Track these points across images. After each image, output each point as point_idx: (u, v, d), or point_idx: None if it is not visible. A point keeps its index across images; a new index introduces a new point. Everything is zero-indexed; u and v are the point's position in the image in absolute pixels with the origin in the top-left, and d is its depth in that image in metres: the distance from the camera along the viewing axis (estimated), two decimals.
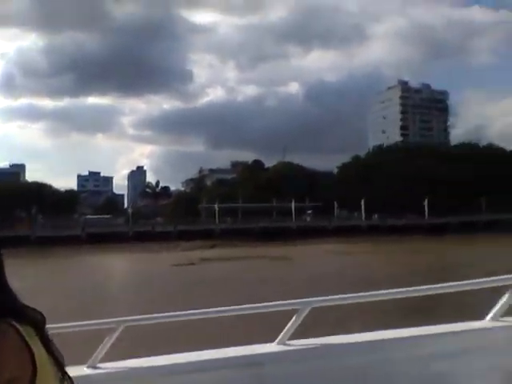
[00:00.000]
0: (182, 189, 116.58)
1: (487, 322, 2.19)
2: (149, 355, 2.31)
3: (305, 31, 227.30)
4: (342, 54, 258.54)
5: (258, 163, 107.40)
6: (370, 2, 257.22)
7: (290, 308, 2.28)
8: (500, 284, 2.24)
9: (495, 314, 2.19)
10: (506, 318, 2.20)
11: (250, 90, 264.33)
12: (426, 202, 74.31)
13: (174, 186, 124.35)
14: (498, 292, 2.17)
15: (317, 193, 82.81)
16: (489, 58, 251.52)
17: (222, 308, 2.34)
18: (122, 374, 2.08)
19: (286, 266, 29.63)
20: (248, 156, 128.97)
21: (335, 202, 79.57)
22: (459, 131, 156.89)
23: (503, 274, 2.25)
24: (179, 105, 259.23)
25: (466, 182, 75.60)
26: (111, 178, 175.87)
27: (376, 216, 77.81)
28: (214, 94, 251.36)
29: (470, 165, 77.55)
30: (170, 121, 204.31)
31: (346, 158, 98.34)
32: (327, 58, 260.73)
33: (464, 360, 2.10)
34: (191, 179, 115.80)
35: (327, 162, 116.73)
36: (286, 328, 2.19)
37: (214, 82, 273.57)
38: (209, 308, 2.43)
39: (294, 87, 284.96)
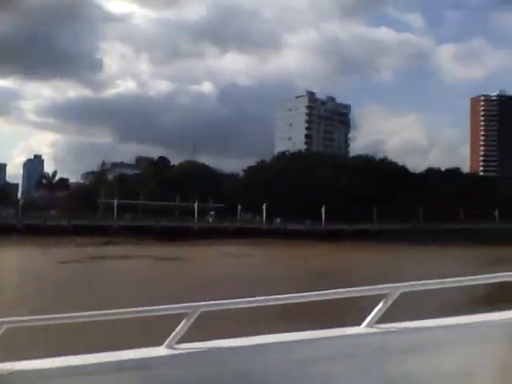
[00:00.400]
0: (82, 181, 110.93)
1: (363, 328, 2.27)
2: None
3: (221, 32, 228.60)
4: (256, 59, 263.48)
5: (163, 160, 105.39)
6: (286, 12, 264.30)
7: (179, 312, 2.25)
8: (376, 293, 2.34)
9: (370, 321, 2.27)
10: (380, 325, 2.28)
11: (162, 86, 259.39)
12: (323, 210, 77.55)
13: (75, 179, 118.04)
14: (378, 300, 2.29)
15: (221, 194, 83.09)
16: (391, 76, 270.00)
17: (106, 311, 2.27)
18: None
19: (173, 267, 29.19)
20: (156, 152, 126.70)
21: (239, 205, 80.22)
22: (360, 144, 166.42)
23: (379, 280, 2.43)
24: (87, 93, 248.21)
25: (361, 192, 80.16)
26: (4, 165, 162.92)
27: (278, 220, 79.71)
28: (125, 86, 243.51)
29: (366, 177, 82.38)
30: (76, 109, 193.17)
31: (253, 162, 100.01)
32: (242, 61, 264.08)
33: (339, 365, 2.18)
34: (91, 172, 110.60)
35: (235, 165, 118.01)
36: (175, 332, 2.18)
37: (126, 73, 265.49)
38: (69, 313, 2.28)
39: (207, 87, 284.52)
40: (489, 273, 2.49)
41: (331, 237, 66.64)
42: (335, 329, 2.35)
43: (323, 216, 78.60)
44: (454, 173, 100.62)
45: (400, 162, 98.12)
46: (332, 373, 2.18)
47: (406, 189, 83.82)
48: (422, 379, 2.25)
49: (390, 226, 78.83)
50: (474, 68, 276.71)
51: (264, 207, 78.18)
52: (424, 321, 2.44)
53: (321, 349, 2.22)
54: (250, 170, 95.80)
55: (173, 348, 2.16)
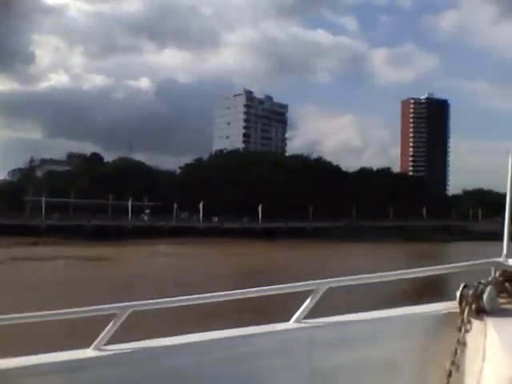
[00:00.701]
0: (8, 178, 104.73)
1: (291, 323, 2.31)
2: None
3: (159, 27, 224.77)
4: (195, 55, 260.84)
5: (96, 156, 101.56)
6: (225, 10, 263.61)
7: (109, 312, 2.20)
8: (304, 289, 2.38)
9: (299, 316, 2.31)
10: (308, 320, 2.32)
11: (97, 80, 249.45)
12: (260, 208, 77.98)
13: (2, 175, 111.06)
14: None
15: (157, 192, 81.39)
16: (327, 78, 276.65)
17: (31, 314, 2.16)
18: None
19: (100, 268, 28.04)
20: (89, 148, 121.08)
21: (175, 203, 78.90)
22: (298, 143, 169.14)
23: (312, 276, 2.45)
24: (16, 86, 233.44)
25: (297, 190, 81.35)
26: None
27: (216, 219, 79.23)
28: (57, 80, 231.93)
29: (302, 176, 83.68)
30: (4, 102, 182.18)
31: (191, 160, 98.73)
32: (180, 57, 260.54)
33: (268, 361, 2.21)
34: (19, 169, 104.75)
35: (172, 163, 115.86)
36: (103, 333, 2.13)
37: (58, 66, 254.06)
38: None
39: (144, 83, 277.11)
40: (415, 267, 2.57)
41: (268, 235, 67.19)
42: (264, 325, 2.37)
43: (260, 214, 79.01)
44: (384, 173, 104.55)
45: (335, 162, 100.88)
46: (261, 369, 2.21)
47: (339, 188, 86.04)
48: (348, 372, 2.30)
49: (325, 224, 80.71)
50: (405, 71, 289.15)
51: (201, 206, 77.38)
52: (351, 315, 2.48)
53: (250, 346, 2.24)
54: (187, 168, 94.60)
55: (101, 349, 2.12)
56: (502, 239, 2.59)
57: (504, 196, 2.67)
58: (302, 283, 2.39)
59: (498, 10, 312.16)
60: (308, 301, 2.34)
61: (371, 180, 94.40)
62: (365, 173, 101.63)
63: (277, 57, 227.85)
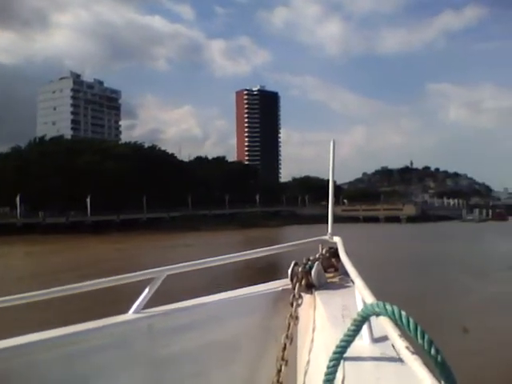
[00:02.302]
0: None
1: (130, 314, 2.27)
2: None
3: None
4: (22, 36, 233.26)
5: None
6: None
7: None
8: (142, 278, 2.34)
9: (137, 307, 2.28)
10: (147, 310, 2.30)
11: None
12: (88, 200, 71.97)
13: None
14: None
15: None
16: (167, 66, 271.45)
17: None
18: None
19: None
20: None
21: None
22: (139, 132, 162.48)
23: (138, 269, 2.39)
24: None
25: (129, 180, 77.08)
26: None
27: (43, 213, 71.00)
28: None
29: (135, 164, 79.50)
30: None
31: (8, 149, 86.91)
32: (5, 38, 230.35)
33: (108, 355, 2.15)
34: None
35: None
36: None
37: None
38: None
39: None
40: (249, 249, 2.65)
41: (97, 229, 62.48)
42: (101, 319, 2.26)
43: (89, 207, 72.96)
44: (220, 161, 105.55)
45: (176, 152, 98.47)
46: (101, 365, 2.14)
47: (175, 177, 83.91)
48: (191, 357, 2.31)
49: (160, 215, 78.26)
50: (242, 64, 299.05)
51: (18, 199, 68.53)
52: (193, 300, 2.45)
53: (85, 342, 2.13)
54: (3, 158, 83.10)
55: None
56: (326, 222, 2.78)
57: (327, 182, 2.91)
58: (139, 273, 2.36)
59: (323, 9, 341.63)
60: (146, 290, 2.30)
61: (207, 168, 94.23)
62: (200, 161, 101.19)
63: (113, 42, 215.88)
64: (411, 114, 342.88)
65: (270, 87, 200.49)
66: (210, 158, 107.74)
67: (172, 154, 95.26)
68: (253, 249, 2.63)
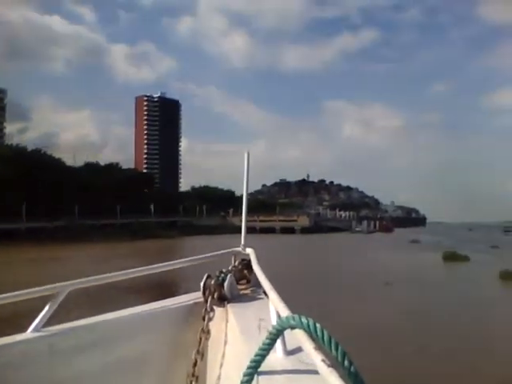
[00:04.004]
0: None
1: (29, 333, 2.15)
2: None
3: None
4: None
5: None
6: None
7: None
8: (43, 294, 2.23)
9: (37, 325, 2.17)
10: (48, 328, 2.18)
11: None
12: None
13: None
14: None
15: None
16: (66, 69, 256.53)
17: None
18: None
19: None
20: None
21: None
22: (31, 136, 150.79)
23: None
24: None
25: (9, 186, 70.21)
26: None
27: None
28: None
29: (18, 169, 72.57)
30: None
31: None
32: None
33: (6, 377, 2.02)
34: None
35: None
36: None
37: None
38: None
39: None
40: (144, 264, 2.56)
41: None
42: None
43: None
44: (113, 168, 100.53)
45: (70, 158, 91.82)
46: None
47: (60, 184, 77.85)
48: (95, 376, 2.20)
49: (42, 224, 72.14)
50: (145, 70, 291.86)
51: None
52: (99, 316, 2.35)
53: None
54: None
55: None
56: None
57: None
58: (39, 288, 2.25)
59: (229, 22, 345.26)
60: (47, 307, 2.21)
61: (98, 175, 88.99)
62: (92, 168, 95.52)
63: (7, 41, 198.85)
64: (310, 128, 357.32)
65: (174, 96, 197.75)
66: (103, 164, 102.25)
67: (59, 159, 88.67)
68: (142, 261, 2.32)
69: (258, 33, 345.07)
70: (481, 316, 15.84)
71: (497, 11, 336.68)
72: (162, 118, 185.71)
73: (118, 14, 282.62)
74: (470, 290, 21.34)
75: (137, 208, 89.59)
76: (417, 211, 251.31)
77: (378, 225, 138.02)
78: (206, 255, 2.68)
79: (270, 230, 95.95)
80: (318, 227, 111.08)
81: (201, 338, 2.18)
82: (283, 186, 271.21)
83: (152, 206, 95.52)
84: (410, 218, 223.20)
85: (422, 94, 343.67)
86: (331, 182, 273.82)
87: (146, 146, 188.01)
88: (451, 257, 35.28)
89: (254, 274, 2.33)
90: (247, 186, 2.84)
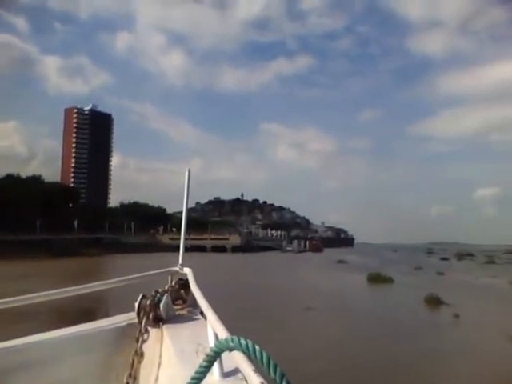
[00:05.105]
0: None
1: None
2: None
3: None
4: None
5: None
6: None
7: None
8: None
9: None
10: None
11: None
12: None
13: None
14: None
15: None
16: None
17: None
18: None
19: None
20: None
21: None
22: None
23: None
24: None
25: None
26: None
27: None
28: None
29: None
30: None
31: None
32: None
33: None
34: None
35: None
36: None
37: None
38: None
39: None
40: (62, 286, 2.46)
41: None
42: None
43: None
44: (35, 181, 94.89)
45: None
46: None
47: None
48: None
49: None
50: (79, 84, 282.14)
51: None
52: (25, 338, 2.21)
53: None
54: None
55: None
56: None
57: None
58: None
59: (167, 40, 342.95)
60: None
61: (18, 189, 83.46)
62: (12, 180, 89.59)
63: None
64: (245, 149, 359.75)
65: (109, 110, 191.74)
66: (24, 176, 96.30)
67: None
68: (57, 283, 2.28)
69: (195, 52, 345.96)
70: (403, 349, 14.40)
71: (423, 45, 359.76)
72: (93, 132, 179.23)
73: (54, 26, 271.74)
74: (394, 318, 20.27)
75: (60, 223, 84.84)
76: (346, 232, 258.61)
77: (308, 244, 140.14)
78: (142, 274, 2.58)
79: (200, 249, 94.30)
80: (249, 246, 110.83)
81: (133, 361, 2.10)
82: (217, 204, 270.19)
83: (76, 222, 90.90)
84: (340, 239, 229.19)
85: (353, 120, 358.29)
86: (265, 202, 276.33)
87: (74, 160, 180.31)
88: (376, 278, 35.32)
89: (191, 294, 2.29)
90: (187, 203, 2.79)
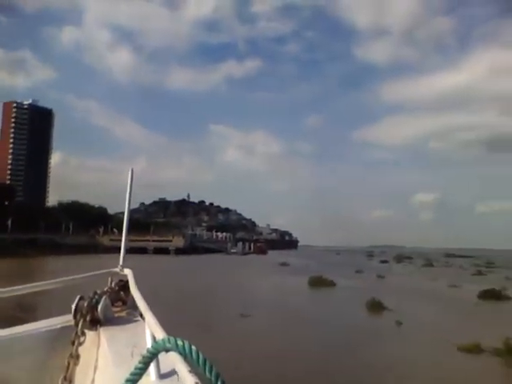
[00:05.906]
0: None
1: None
2: None
3: None
4: None
5: None
6: None
7: None
8: None
9: None
10: None
11: None
12: None
13: None
14: None
15: None
16: None
17: None
18: None
19: None
20: None
21: None
22: None
23: None
24: None
25: None
26: None
27: None
28: None
29: None
30: None
31: None
32: None
33: None
34: None
35: None
36: None
37: None
38: None
39: None
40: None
41: None
42: None
43: None
44: None
45: None
46: None
47: None
48: None
49: None
50: (20, 77, 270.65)
51: None
52: None
53: None
54: None
55: None
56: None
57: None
58: None
59: (114, 36, 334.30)
60: None
61: None
62: None
63: None
64: (193, 150, 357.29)
65: (51, 106, 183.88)
66: None
67: None
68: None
69: (143, 50, 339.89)
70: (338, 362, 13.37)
71: (369, 52, 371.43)
72: (32, 127, 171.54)
73: None
74: (333, 327, 19.25)
75: None
76: (290, 234, 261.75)
77: (253, 247, 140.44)
78: (81, 275, 2.53)
79: (142, 251, 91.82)
80: (193, 248, 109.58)
81: (69, 364, 2.07)
82: (162, 205, 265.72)
83: (9, 221, 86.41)
84: (284, 241, 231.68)
85: (299, 124, 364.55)
86: (211, 204, 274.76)
87: (11, 156, 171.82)
88: (317, 282, 35.03)
89: (131, 296, 2.23)
90: (129, 203, 2.75)
